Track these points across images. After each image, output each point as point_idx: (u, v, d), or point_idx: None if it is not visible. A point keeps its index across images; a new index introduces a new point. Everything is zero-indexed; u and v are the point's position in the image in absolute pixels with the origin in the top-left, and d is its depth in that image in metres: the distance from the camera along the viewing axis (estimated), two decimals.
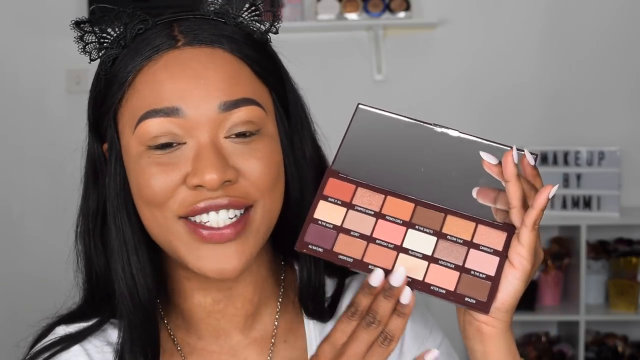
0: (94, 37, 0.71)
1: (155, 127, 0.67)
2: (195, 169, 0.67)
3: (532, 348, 3.01)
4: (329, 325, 0.79)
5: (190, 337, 0.77)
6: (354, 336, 0.63)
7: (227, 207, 0.68)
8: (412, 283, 0.64)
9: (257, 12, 0.73)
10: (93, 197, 0.74)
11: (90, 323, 0.75)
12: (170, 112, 0.67)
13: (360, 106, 0.71)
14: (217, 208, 0.68)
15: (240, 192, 0.69)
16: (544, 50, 3.18)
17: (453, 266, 0.65)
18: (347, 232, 0.66)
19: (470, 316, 0.66)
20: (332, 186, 0.69)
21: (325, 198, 0.68)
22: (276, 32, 0.74)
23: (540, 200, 0.62)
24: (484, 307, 0.64)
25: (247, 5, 0.72)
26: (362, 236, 0.66)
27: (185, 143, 0.68)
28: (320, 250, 0.65)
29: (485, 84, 3.20)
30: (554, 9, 3.17)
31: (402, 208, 0.67)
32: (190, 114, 0.67)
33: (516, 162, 0.62)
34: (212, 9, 0.72)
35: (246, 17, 0.73)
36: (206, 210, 0.68)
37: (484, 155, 0.64)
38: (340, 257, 0.65)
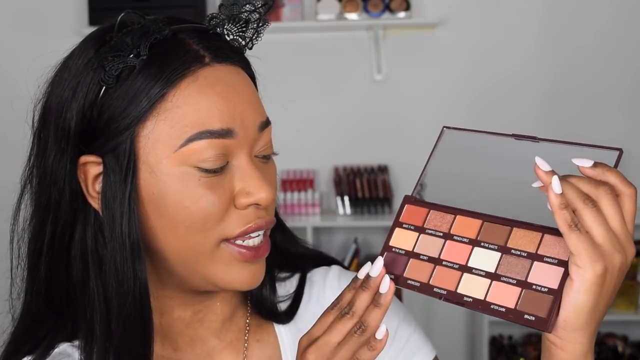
0: (109, 50, 0.65)
1: (209, 149, 0.65)
2: (246, 188, 0.67)
3: (533, 348, 3.01)
4: (298, 320, 0.80)
5: (165, 350, 0.76)
6: (329, 327, 0.64)
7: (271, 224, 0.70)
8: (472, 303, 0.62)
9: (244, 28, 0.72)
10: (60, 215, 0.69)
11: (55, 350, 0.73)
12: (224, 133, 0.66)
13: (445, 129, 0.70)
14: (265, 226, 0.69)
15: (270, 211, 0.71)
16: (543, 50, 3.18)
17: (515, 282, 0.61)
18: (417, 256, 0.66)
19: (553, 332, 0.61)
20: (408, 212, 0.69)
21: (401, 225, 0.69)
22: (251, 48, 0.73)
23: (549, 198, 0.58)
24: (544, 324, 0.58)
25: (242, 22, 0.71)
26: (430, 259, 0.66)
27: (227, 163, 0.67)
28: (392, 277, 0.65)
29: (485, 83, 3.20)
30: (553, 9, 3.17)
31: (470, 226, 0.66)
32: (240, 134, 0.67)
33: (545, 169, 0.59)
34: (214, 22, 0.71)
35: (234, 32, 0.72)
36: (257, 229, 0.68)
37: (538, 160, 0.60)
38: (409, 282, 0.65)
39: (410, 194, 0.70)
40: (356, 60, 3.24)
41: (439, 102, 3.21)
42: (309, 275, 0.84)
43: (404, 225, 0.69)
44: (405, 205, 0.70)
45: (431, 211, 0.68)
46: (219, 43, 0.69)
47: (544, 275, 0.60)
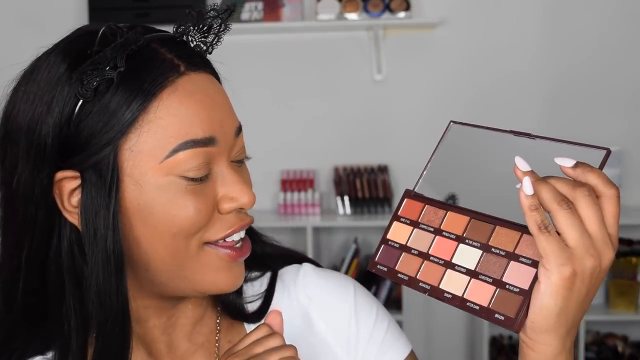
0: (89, 63, 0.64)
1: (194, 158, 0.66)
2: (230, 193, 0.69)
3: None
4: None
5: (138, 355, 0.76)
6: None
7: (251, 222, 0.72)
8: (451, 299, 0.63)
9: (206, 34, 0.72)
10: (36, 230, 0.68)
11: None
12: (207, 142, 0.66)
13: (452, 123, 0.71)
14: (246, 226, 0.71)
15: (247, 211, 0.72)
16: (544, 51, 3.18)
17: (491, 280, 0.61)
18: (409, 250, 0.67)
19: (522, 332, 0.61)
20: (407, 206, 0.70)
21: (399, 219, 0.70)
22: (211, 52, 0.73)
23: (520, 199, 0.57)
24: (511, 324, 0.59)
25: (205, 28, 0.71)
26: (420, 254, 0.67)
27: (210, 170, 0.69)
28: (385, 269, 0.67)
29: (485, 84, 3.20)
30: (553, 9, 3.17)
31: (458, 222, 0.66)
32: (221, 141, 0.68)
33: (524, 169, 0.58)
34: (180, 30, 0.71)
35: (197, 38, 0.72)
36: (240, 229, 0.70)
37: (517, 160, 0.59)
38: (399, 275, 0.66)
39: (412, 188, 0.71)
40: (356, 60, 3.24)
41: (439, 102, 3.22)
42: (280, 273, 0.84)
43: (402, 219, 0.69)
44: (405, 199, 0.70)
45: (426, 206, 0.69)
46: (187, 50, 0.69)
47: (518, 276, 0.60)
